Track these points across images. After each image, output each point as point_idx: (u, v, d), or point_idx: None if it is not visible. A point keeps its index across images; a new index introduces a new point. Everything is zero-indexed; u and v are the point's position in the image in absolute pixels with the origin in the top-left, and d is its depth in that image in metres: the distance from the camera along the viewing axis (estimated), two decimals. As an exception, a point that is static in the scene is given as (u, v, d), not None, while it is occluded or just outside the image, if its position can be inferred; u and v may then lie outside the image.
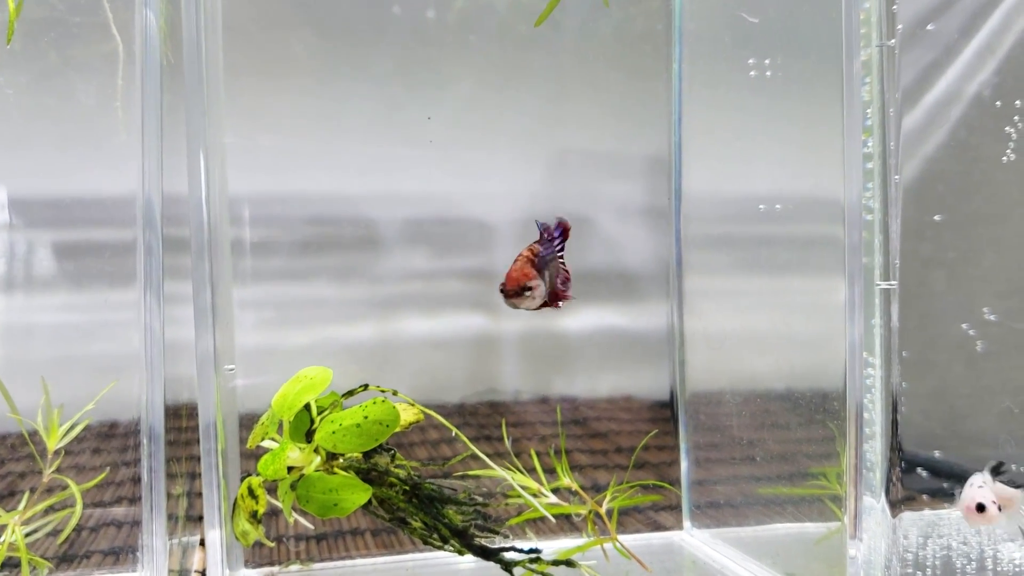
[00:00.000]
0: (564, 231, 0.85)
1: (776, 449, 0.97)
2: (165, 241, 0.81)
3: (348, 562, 1.01)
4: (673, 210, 1.09)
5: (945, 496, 0.85)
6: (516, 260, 0.81)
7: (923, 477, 0.85)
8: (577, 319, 1.10)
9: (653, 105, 1.09)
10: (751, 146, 0.97)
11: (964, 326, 0.87)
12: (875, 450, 0.82)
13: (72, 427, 0.90)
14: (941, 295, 0.87)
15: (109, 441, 0.89)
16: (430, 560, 1.00)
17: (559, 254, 0.84)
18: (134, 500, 0.76)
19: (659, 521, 1.10)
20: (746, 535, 1.01)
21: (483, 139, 1.07)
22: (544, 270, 0.82)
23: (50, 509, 0.90)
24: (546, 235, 0.84)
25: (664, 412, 1.11)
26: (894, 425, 0.82)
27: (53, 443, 0.91)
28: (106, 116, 0.89)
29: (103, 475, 0.93)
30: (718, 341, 1.06)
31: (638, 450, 0.98)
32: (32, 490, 0.89)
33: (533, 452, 0.97)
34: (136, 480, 0.78)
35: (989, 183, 0.88)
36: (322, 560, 1.00)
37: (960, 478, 0.85)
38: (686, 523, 1.08)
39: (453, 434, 0.91)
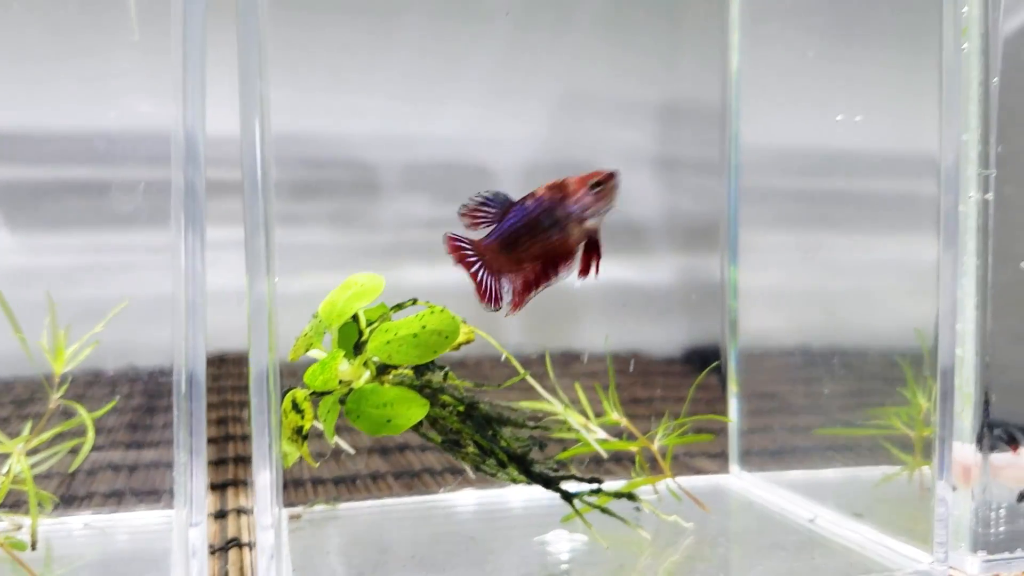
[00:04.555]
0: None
1: (832, 394, 0.93)
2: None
3: (374, 502, 0.94)
4: (729, 159, 1.03)
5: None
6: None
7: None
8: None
9: (703, 35, 1.03)
10: (823, 83, 0.92)
11: (1023, 264, 0.82)
12: (966, 396, 0.78)
13: (79, 349, 0.83)
14: (996, 231, 0.82)
15: (141, 385, 0.83)
16: (449, 501, 0.95)
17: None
18: (169, 443, 0.70)
19: (700, 467, 1.05)
20: (799, 478, 0.95)
21: (514, 81, 1.00)
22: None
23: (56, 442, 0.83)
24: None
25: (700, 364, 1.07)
26: (986, 370, 0.77)
27: (60, 366, 0.83)
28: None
29: (112, 403, 0.86)
30: (773, 293, 1.02)
31: (695, 385, 0.93)
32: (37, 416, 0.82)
33: (579, 388, 0.91)
34: (170, 424, 0.71)
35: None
36: (347, 501, 0.94)
37: (1003, 425, 0.81)
38: (733, 467, 1.03)
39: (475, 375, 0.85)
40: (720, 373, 1.05)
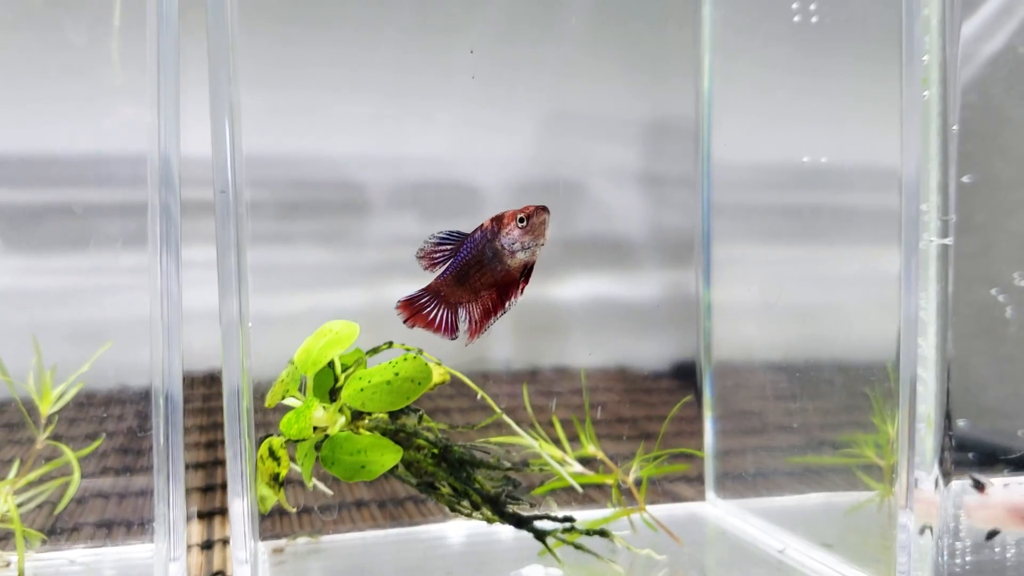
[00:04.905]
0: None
1: (805, 419, 0.94)
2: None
3: (357, 534, 0.96)
4: (701, 175, 1.04)
5: (968, 466, 0.82)
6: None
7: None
8: (570, 288, 1.05)
9: (678, 57, 1.05)
10: (792, 103, 0.93)
11: (993, 291, 0.84)
12: (927, 420, 0.79)
13: (65, 391, 0.85)
14: (968, 259, 0.84)
15: (118, 408, 0.84)
16: (433, 532, 0.96)
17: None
18: (148, 469, 0.71)
19: (676, 492, 1.06)
20: (774, 505, 0.97)
21: (488, 97, 1.01)
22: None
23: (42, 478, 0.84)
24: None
25: (680, 383, 1.08)
26: (947, 394, 0.79)
27: (46, 407, 0.85)
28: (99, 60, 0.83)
29: (99, 441, 0.87)
30: (748, 311, 1.03)
31: (669, 418, 0.94)
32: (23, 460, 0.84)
33: (556, 420, 0.92)
34: (148, 449, 0.72)
35: (1017, 144, 0.85)
36: (330, 533, 0.95)
37: (979, 449, 0.82)
38: (709, 494, 1.04)
39: (458, 403, 0.87)
40: (697, 394, 1.06)
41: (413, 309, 0.73)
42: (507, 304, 0.73)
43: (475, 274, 0.72)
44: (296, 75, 0.94)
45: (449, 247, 0.73)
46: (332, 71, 0.96)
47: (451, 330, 0.73)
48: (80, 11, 0.82)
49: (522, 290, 0.72)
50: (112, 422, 0.82)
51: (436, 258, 0.73)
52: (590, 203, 1.05)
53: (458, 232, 0.74)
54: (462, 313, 0.74)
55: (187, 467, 1.01)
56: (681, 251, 1.08)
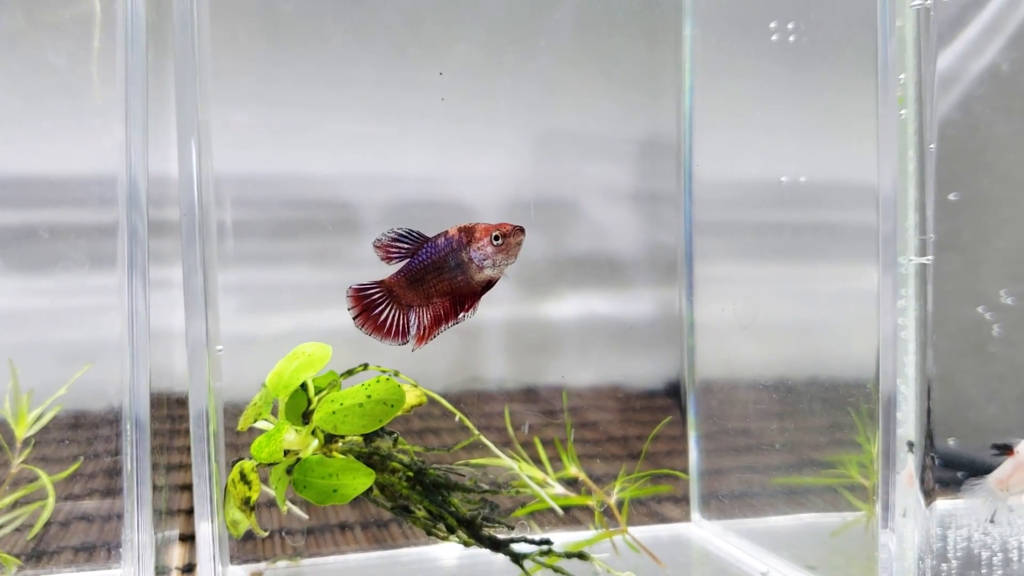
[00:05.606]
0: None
1: (789, 438, 0.93)
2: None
3: (339, 557, 0.95)
4: (683, 193, 1.04)
5: (958, 486, 0.82)
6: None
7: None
8: (561, 307, 1.05)
9: (661, 76, 1.04)
10: (771, 122, 0.93)
11: (980, 309, 0.83)
12: (908, 438, 0.78)
13: (42, 414, 0.84)
14: (955, 277, 0.83)
15: (89, 431, 0.83)
16: (417, 554, 0.95)
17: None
18: (117, 492, 0.70)
19: (663, 513, 1.05)
20: (758, 527, 0.96)
21: (473, 116, 1.01)
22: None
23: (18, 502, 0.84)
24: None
25: (666, 401, 1.07)
26: (928, 413, 0.78)
27: (22, 431, 0.84)
28: (80, 83, 0.83)
29: (76, 465, 0.86)
30: (731, 329, 1.02)
31: (650, 439, 0.93)
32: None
33: (537, 441, 0.92)
34: (117, 471, 0.72)
35: (1002, 162, 0.85)
36: (311, 556, 0.95)
37: (970, 467, 0.81)
38: (695, 515, 1.03)
39: (448, 423, 0.86)
40: (682, 413, 1.06)
41: (364, 304, 0.72)
42: (460, 315, 0.72)
43: (431, 280, 0.72)
44: (281, 93, 0.94)
45: (406, 246, 0.72)
46: (319, 90, 0.96)
47: (400, 335, 0.72)
48: (60, 33, 0.82)
49: (474, 306, 0.72)
50: (78, 446, 0.82)
51: (392, 253, 0.73)
52: (576, 221, 1.05)
53: (418, 232, 0.73)
54: (413, 317, 0.73)
55: (174, 489, 1.00)
56: (665, 269, 1.07)
